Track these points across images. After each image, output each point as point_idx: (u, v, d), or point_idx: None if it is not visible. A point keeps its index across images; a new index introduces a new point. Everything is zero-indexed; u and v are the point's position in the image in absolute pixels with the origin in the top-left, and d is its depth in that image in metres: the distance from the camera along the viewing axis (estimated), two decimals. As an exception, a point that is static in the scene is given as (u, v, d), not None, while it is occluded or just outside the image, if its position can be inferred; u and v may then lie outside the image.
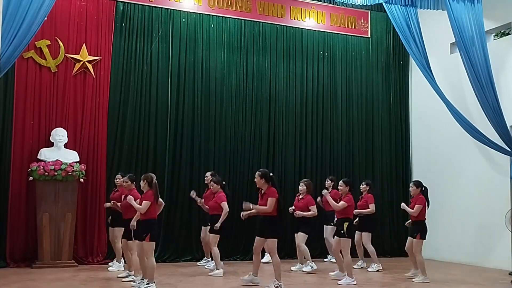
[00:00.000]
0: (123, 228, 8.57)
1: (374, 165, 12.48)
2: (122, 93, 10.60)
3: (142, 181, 7.67)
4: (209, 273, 9.11)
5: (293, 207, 9.79)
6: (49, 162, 9.47)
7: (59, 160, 9.49)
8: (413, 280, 8.74)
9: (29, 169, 9.51)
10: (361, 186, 10.31)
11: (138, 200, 7.77)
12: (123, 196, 8.48)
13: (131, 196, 7.79)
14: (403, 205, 9.02)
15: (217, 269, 9.10)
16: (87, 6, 10.38)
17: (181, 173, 10.85)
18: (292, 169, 11.69)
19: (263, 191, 7.94)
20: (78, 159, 9.83)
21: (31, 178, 9.49)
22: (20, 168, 9.68)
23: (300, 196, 9.80)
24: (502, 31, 11.44)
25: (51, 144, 9.81)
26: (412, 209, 8.76)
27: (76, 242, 9.87)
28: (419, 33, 11.11)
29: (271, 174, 8.13)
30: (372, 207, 9.99)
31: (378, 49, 12.84)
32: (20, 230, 9.64)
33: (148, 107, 10.75)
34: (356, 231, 9.84)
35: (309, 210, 9.62)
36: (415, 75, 12.62)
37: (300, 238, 9.64)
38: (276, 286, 7.73)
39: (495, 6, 10.64)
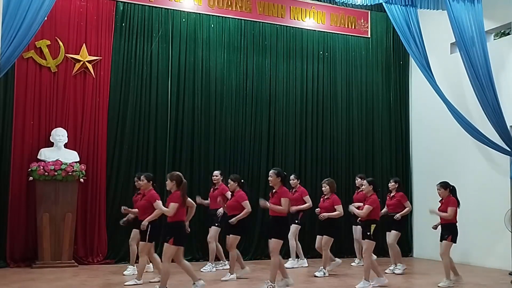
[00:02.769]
0: (138, 230, 8.39)
1: (374, 165, 12.47)
2: (122, 93, 10.60)
3: (169, 180, 7.32)
4: (222, 279, 8.66)
5: (319, 209, 9.51)
6: (49, 162, 9.47)
7: (59, 160, 9.50)
8: (438, 285, 8.40)
9: (29, 169, 9.51)
10: (389, 184, 10.02)
11: (158, 201, 7.70)
12: (139, 196, 8.38)
13: (158, 201, 7.53)
14: (432, 210, 8.54)
15: (231, 274, 8.72)
16: (87, 6, 10.38)
17: (181, 173, 10.76)
18: (292, 169, 11.62)
19: (274, 190, 7.76)
20: (78, 159, 9.84)
21: (31, 178, 9.50)
22: (20, 168, 9.69)
23: (326, 197, 9.50)
24: (502, 31, 11.44)
25: (51, 144, 9.81)
26: (445, 211, 8.41)
27: (76, 242, 9.87)
28: (419, 33, 11.11)
29: (285, 173, 8.00)
30: (408, 205, 9.73)
31: (378, 49, 12.83)
32: (20, 230, 9.64)
33: (148, 107, 10.75)
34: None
35: (335, 210, 9.31)
36: (415, 75, 12.61)
37: (325, 241, 9.26)
38: (268, 287, 7.58)
39: (495, 6, 10.64)
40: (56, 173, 9.40)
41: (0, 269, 9.17)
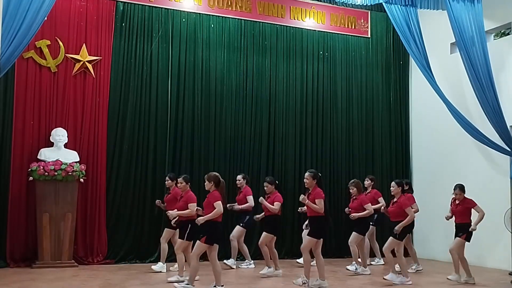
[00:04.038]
0: (172, 230, 8.83)
1: (374, 165, 12.47)
2: (122, 93, 10.59)
3: (207, 181, 7.52)
4: (260, 272, 9.10)
5: (349, 208, 9.83)
6: (49, 162, 9.46)
7: (59, 160, 9.49)
8: (447, 277, 8.74)
9: (29, 169, 9.50)
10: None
11: (195, 203, 7.96)
12: (178, 197, 8.60)
13: (194, 204, 7.93)
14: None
15: (271, 268, 9.13)
16: (87, 6, 10.38)
17: (181, 173, 10.72)
18: (292, 169, 11.68)
19: (309, 191, 8.02)
20: (78, 159, 9.83)
21: (31, 178, 9.49)
22: (20, 168, 9.68)
23: (354, 197, 9.80)
24: (502, 31, 11.45)
25: (51, 144, 9.81)
26: (463, 213, 8.70)
27: (76, 242, 9.87)
28: (419, 33, 11.11)
29: (319, 174, 8.20)
30: (416, 207, 9.81)
31: (378, 49, 12.83)
32: (20, 230, 9.63)
33: (148, 107, 10.75)
34: None
35: (364, 210, 9.56)
36: (415, 75, 12.61)
37: (352, 237, 9.59)
38: (303, 282, 7.81)
39: (495, 6, 10.64)
40: (56, 173, 9.39)
41: (0, 269, 9.17)
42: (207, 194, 7.59)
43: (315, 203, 7.86)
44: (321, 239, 8.08)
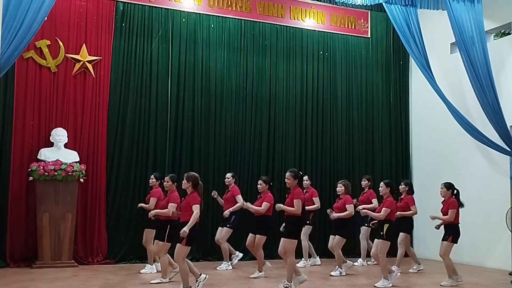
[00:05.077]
0: (152, 230, 8.74)
1: (374, 165, 12.47)
2: (122, 93, 10.60)
3: (185, 181, 7.38)
4: (250, 276, 8.97)
5: (330, 209, 9.59)
6: (49, 162, 9.47)
7: (59, 160, 9.50)
8: (441, 284, 8.51)
9: (29, 169, 9.51)
10: (400, 187, 9.99)
11: (176, 204, 7.79)
12: (161, 197, 8.62)
13: (175, 204, 7.81)
14: (433, 216, 8.67)
15: (262, 273, 9.03)
16: (87, 6, 10.38)
17: (181, 173, 10.73)
18: (292, 169, 11.67)
19: (289, 191, 7.90)
20: (78, 159, 9.84)
21: (31, 178, 9.49)
22: (20, 168, 9.68)
23: (340, 197, 9.62)
24: (502, 31, 11.44)
25: (51, 144, 9.81)
26: (446, 214, 8.52)
27: (76, 242, 9.87)
28: (419, 33, 11.12)
29: (300, 173, 8.07)
30: (414, 209, 9.70)
31: (378, 49, 12.84)
32: (20, 230, 9.63)
33: (148, 107, 10.75)
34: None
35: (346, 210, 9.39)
36: (415, 75, 12.62)
37: (336, 241, 9.36)
38: (285, 286, 7.68)
39: (495, 6, 10.64)
40: (56, 173, 9.39)
41: (0, 269, 9.17)
42: (186, 195, 7.45)
43: (293, 203, 7.68)
44: (296, 240, 7.94)
